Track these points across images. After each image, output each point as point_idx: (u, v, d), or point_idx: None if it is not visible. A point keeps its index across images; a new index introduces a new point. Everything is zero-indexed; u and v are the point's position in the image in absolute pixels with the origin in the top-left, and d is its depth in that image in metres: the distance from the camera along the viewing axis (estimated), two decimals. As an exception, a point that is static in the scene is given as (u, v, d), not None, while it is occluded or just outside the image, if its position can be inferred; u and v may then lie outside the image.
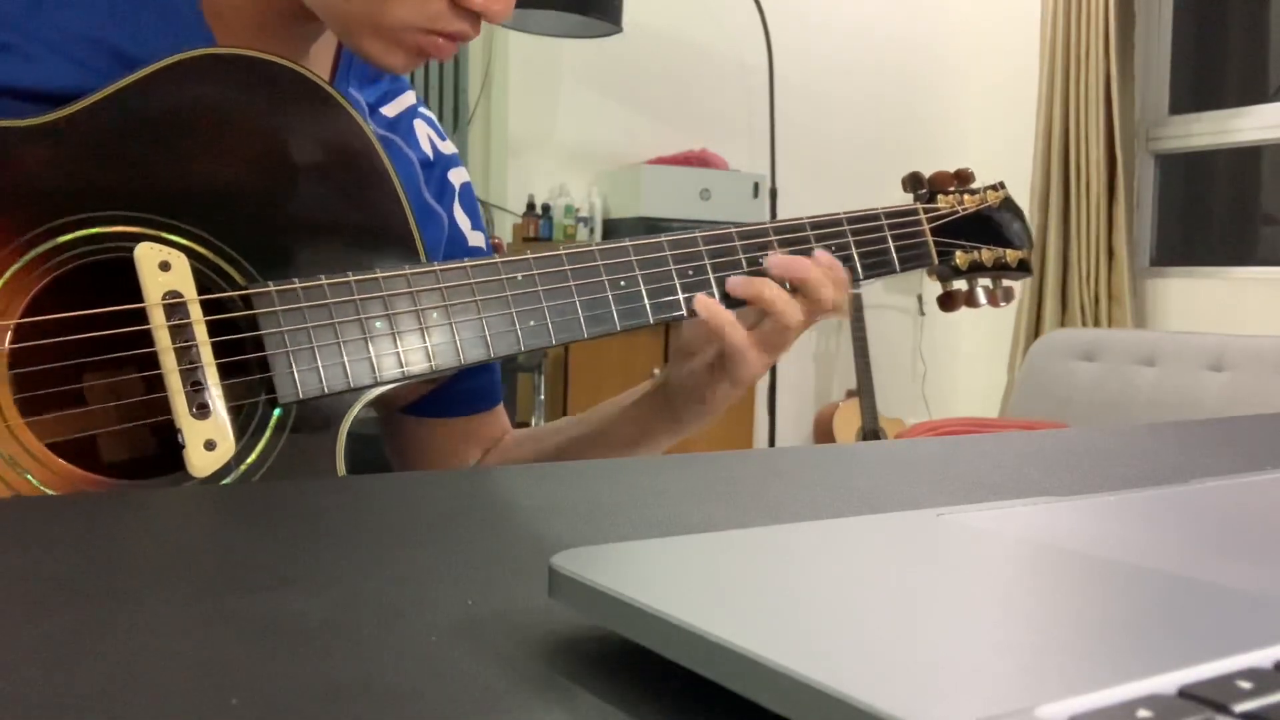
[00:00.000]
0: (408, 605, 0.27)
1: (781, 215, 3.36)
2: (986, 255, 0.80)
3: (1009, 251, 0.81)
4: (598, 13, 2.67)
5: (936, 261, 0.78)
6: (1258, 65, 3.52)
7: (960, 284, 0.81)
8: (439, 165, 0.78)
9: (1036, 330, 3.46)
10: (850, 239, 0.73)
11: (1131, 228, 3.40)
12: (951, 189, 0.80)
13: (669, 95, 3.46)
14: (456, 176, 0.80)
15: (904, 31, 3.86)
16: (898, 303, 3.90)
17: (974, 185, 0.82)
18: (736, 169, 3.34)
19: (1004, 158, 3.66)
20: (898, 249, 0.75)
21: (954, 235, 0.79)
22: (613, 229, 3.22)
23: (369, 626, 0.25)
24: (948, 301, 0.81)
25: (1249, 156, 3.44)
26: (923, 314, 3.93)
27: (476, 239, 0.80)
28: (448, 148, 0.80)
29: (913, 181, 0.82)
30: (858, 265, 0.73)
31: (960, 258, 0.79)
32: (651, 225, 2.98)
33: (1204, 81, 3.56)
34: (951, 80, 3.94)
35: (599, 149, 3.36)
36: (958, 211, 0.79)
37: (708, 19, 3.48)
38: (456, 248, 0.77)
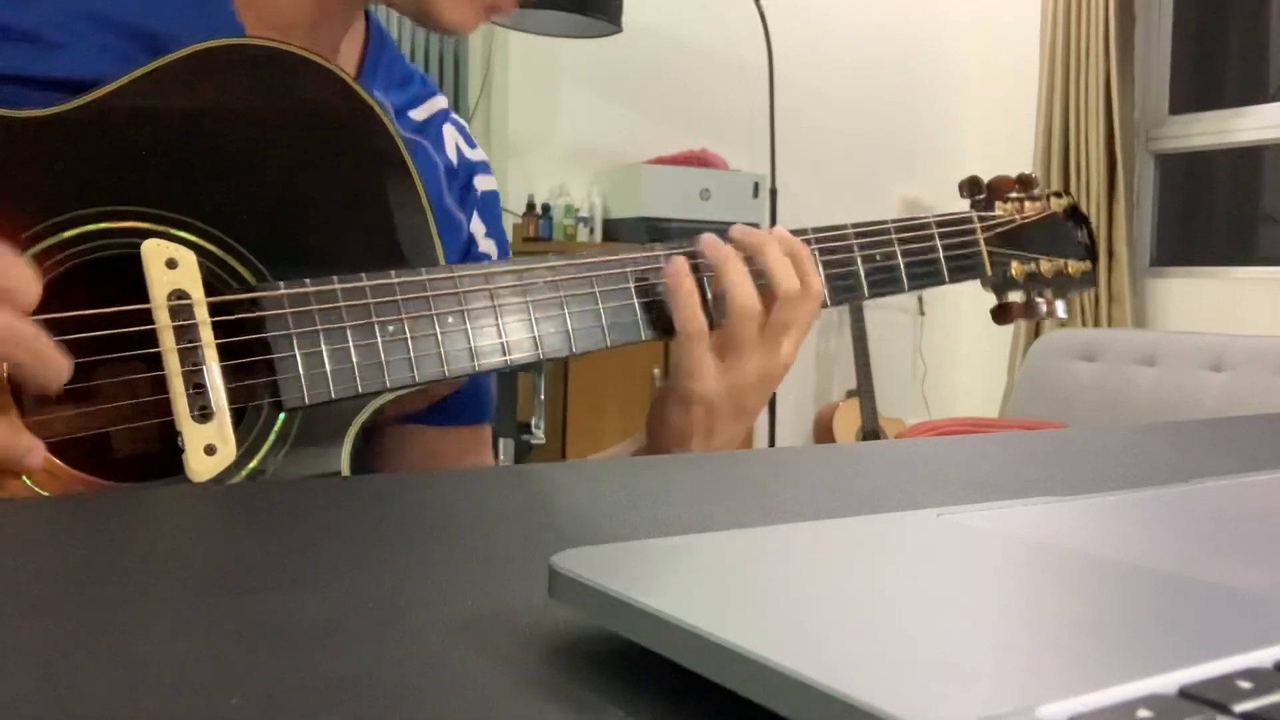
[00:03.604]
0: (408, 605, 0.27)
1: (781, 215, 3.36)
2: (1045, 266, 0.76)
3: (1071, 263, 0.77)
4: (598, 13, 2.67)
5: (989, 272, 0.74)
6: (1258, 65, 3.52)
7: (1016, 295, 0.77)
8: (464, 171, 0.77)
9: (1036, 330, 3.46)
10: (896, 247, 0.70)
11: (1131, 228, 3.40)
12: (1012, 195, 0.77)
13: (669, 95, 3.45)
14: (482, 183, 0.78)
15: (904, 31, 3.86)
16: (898, 303, 3.90)
17: (1036, 191, 0.78)
18: (736, 169, 3.34)
19: (1004, 158, 3.66)
20: (948, 259, 0.72)
21: (1011, 244, 0.75)
22: (613, 229, 3.22)
23: (369, 626, 0.25)
24: (1003, 314, 0.76)
25: (1249, 156, 3.44)
26: (923, 314, 3.93)
27: (488, 245, 0.77)
28: (476, 155, 0.78)
29: (970, 187, 0.78)
30: (903, 275, 0.70)
31: (1016, 268, 0.75)
32: (651, 225, 2.98)
33: (1204, 81, 3.56)
34: (952, 80, 3.94)
35: (599, 149, 3.36)
36: (1015, 219, 0.75)
37: (708, 19, 3.48)
38: (467, 253, 0.76)
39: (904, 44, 3.86)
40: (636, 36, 3.15)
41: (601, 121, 3.37)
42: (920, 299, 3.90)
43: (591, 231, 3.22)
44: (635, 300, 0.64)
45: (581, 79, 3.33)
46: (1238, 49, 3.61)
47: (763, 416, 3.39)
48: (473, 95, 3.25)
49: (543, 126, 3.31)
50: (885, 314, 3.85)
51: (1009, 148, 3.66)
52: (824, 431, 3.66)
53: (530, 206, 3.17)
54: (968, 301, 3.81)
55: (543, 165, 3.29)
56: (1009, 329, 3.61)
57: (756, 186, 3.25)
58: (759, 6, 3.27)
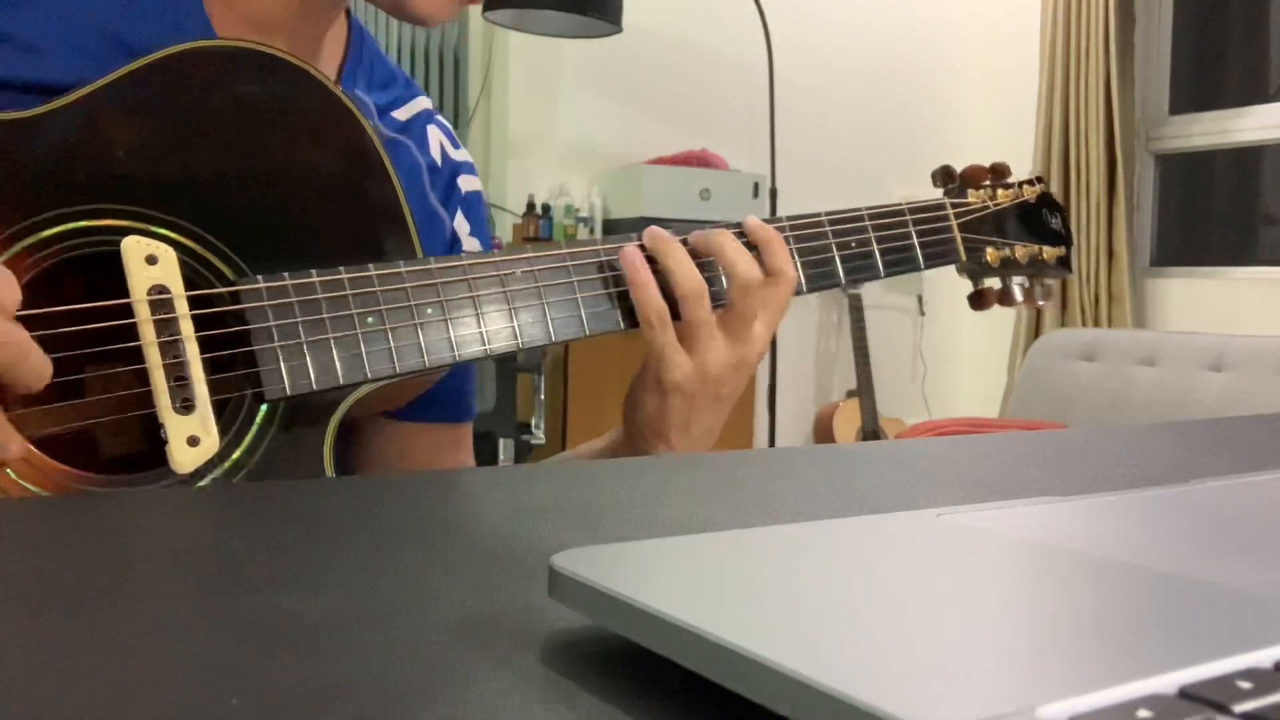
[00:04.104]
0: (408, 605, 0.27)
1: (781, 215, 3.36)
2: (1020, 252, 0.77)
3: (1045, 248, 0.78)
4: (598, 13, 2.67)
5: (965, 258, 0.75)
6: (1258, 65, 3.52)
7: (993, 281, 0.79)
8: (448, 170, 0.77)
9: (1036, 330, 3.47)
10: (871, 234, 0.71)
11: (1131, 228, 3.40)
12: (985, 183, 0.78)
13: (669, 95, 3.46)
14: (465, 183, 0.78)
15: (904, 32, 3.86)
16: (898, 303, 3.90)
17: (1009, 179, 0.79)
18: (736, 169, 3.34)
19: (1004, 158, 3.64)
20: (922, 245, 0.73)
21: (986, 231, 0.76)
22: (613, 229, 3.22)
23: (369, 626, 0.25)
24: (979, 300, 0.78)
25: (1249, 156, 3.44)
26: (923, 314, 3.93)
27: (471, 244, 0.78)
28: (460, 155, 0.79)
29: (943, 175, 0.79)
30: (879, 261, 0.71)
31: (991, 254, 0.76)
32: (652, 225, 2.98)
33: (1204, 81, 3.56)
34: (952, 80, 3.94)
35: (599, 149, 3.36)
36: (989, 206, 0.76)
37: (708, 19, 3.48)
38: (450, 251, 0.76)
39: (904, 44, 3.86)
40: (636, 36, 3.15)
41: (601, 121, 3.37)
42: (920, 299, 3.90)
43: (591, 231, 3.22)
44: (609, 290, 0.64)
45: (581, 79, 3.33)
46: (1238, 49, 3.61)
47: (763, 416, 3.39)
48: (473, 95, 3.25)
49: (543, 126, 3.31)
50: (885, 314, 3.85)
51: (1009, 148, 3.66)
52: (824, 431, 3.66)
53: (530, 206, 3.17)
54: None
55: (543, 165, 3.29)
56: (1008, 328, 3.61)
57: (756, 186, 3.25)
58: (759, 6, 3.27)
